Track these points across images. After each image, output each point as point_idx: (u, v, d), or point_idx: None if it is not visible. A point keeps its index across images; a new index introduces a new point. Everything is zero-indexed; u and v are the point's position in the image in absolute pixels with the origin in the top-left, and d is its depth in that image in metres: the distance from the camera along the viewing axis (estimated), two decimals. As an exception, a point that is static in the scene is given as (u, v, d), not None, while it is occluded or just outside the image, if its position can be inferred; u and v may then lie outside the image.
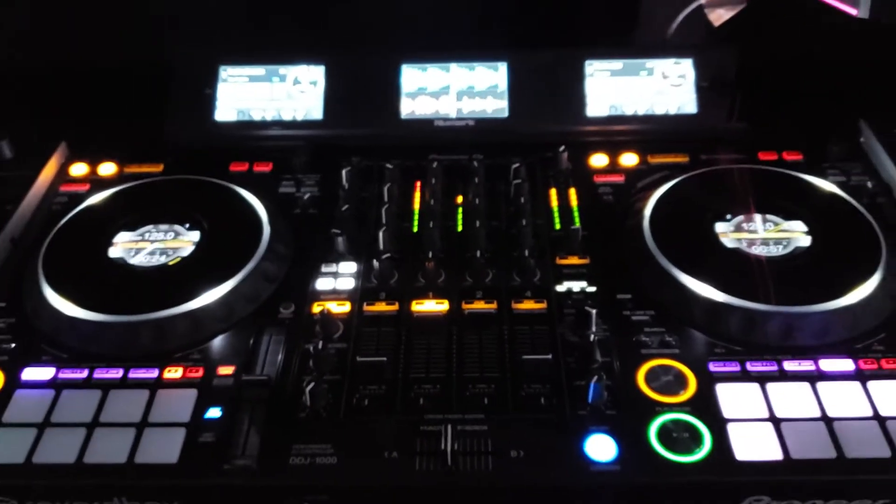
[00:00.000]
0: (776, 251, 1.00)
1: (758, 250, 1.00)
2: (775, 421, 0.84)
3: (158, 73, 1.25)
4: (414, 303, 0.98)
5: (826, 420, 0.84)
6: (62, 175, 1.20)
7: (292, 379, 0.90)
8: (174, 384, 0.89)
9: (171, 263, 1.01)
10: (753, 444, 0.82)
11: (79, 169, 1.21)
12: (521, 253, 1.02)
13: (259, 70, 1.27)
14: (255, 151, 1.23)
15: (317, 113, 1.25)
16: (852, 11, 0.96)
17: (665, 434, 0.83)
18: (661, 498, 0.81)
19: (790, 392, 0.87)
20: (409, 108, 1.25)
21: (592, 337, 0.91)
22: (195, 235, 1.04)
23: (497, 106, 1.25)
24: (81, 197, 1.14)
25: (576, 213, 1.10)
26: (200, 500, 0.82)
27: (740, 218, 1.04)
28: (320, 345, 0.90)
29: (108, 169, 1.20)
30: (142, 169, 1.20)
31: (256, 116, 1.25)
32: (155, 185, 1.16)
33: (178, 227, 1.05)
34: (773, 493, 0.80)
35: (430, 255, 1.02)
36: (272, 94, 1.26)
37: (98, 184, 1.17)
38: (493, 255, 1.04)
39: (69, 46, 1.41)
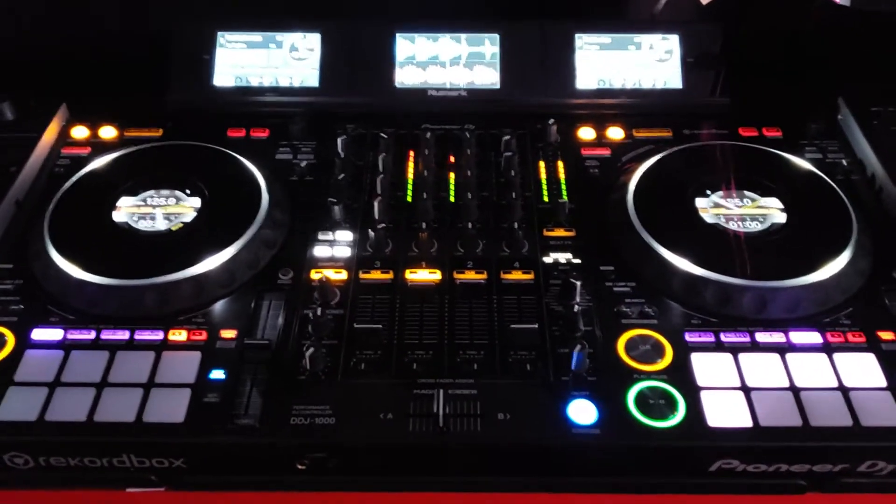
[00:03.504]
0: (753, 227, 1.03)
1: (735, 226, 1.03)
2: (746, 390, 0.88)
3: (158, 38, 1.26)
4: (408, 272, 1.01)
5: (794, 390, 0.88)
6: (63, 137, 1.22)
7: (292, 343, 0.93)
8: (179, 346, 0.92)
9: (173, 229, 1.03)
10: (725, 412, 0.86)
11: (80, 132, 1.22)
12: (511, 225, 1.05)
13: (256, 37, 1.28)
14: (252, 117, 1.24)
15: (313, 80, 1.27)
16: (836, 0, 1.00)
17: (642, 400, 0.87)
18: (637, 460, 0.86)
19: (761, 362, 0.91)
20: (403, 77, 1.27)
21: (576, 307, 0.95)
22: (196, 201, 1.07)
23: (489, 77, 1.27)
24: (83, 160, 1.16)
25: (563, 186, 1.13)
26: (205, 458, 0.87)
27: (720, 194, 1.07)
28: (319, 311, 0.93)
29: (108, 132, 1.22)
30: (141, 133, 1.22)
31: (254, 82, 1.27)
32: (156, 150, 1.17)
33: (178, 193, 1.08)
34: (742, 457, 0.85)
35: (424, 225, 1.05)
36: (269, 60, 1.28)
37: (99, 147, 1.19)
38: (483, 225, 1.07)
39: (69, 12, 1.41)
